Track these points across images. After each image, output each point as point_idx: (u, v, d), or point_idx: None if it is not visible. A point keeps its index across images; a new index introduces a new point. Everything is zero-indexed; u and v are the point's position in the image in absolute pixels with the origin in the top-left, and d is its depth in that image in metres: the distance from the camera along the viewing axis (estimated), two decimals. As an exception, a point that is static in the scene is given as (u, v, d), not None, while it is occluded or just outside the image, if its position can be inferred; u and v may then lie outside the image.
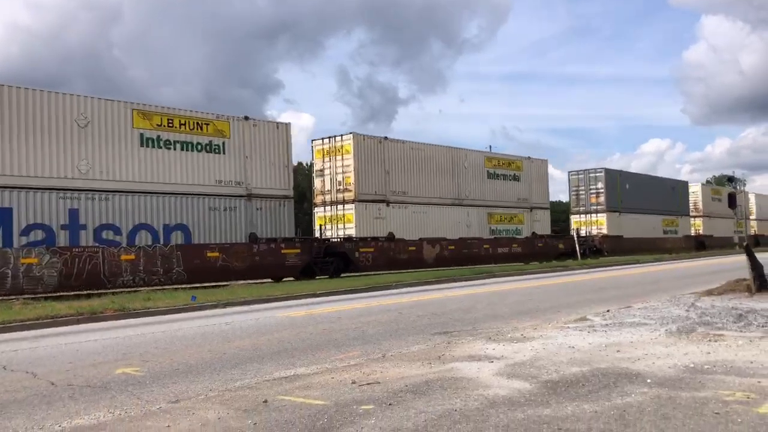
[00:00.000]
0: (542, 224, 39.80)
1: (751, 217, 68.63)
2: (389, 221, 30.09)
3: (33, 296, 17.90)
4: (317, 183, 30.56)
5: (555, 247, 38.91)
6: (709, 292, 13.44)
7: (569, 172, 48.56)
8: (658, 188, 51.86)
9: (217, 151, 23.89)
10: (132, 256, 20.54)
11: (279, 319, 13.18)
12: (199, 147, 23.42)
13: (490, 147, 41.60)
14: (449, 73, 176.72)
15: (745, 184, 70.31)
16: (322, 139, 30.47)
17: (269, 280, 24.38)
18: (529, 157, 39.65)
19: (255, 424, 5.07)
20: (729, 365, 6.47)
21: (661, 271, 27.25)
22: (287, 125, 26.35)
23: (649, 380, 5.93)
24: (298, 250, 24.93)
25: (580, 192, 46.81)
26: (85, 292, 18.75)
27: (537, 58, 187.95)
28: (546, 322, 10.80)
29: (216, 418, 5.28)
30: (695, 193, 59.47)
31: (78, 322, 13.66)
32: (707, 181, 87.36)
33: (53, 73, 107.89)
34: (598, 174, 46.38)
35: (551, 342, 8.27)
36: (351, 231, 28.78)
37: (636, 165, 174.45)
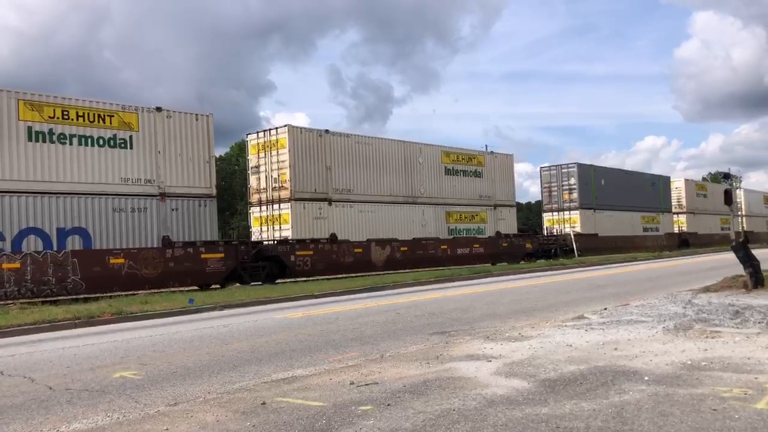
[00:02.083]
0: (508, 223, 37.35)
1: (739, 214, 67.43)
2: (332, 221, 27.51)
3: (30, 301, 17.84)
4: (252, 180, 28.02)
5: (521, 247, 36.58)
6: (706, 289, 13.48)
7: (541, 167, 45.80)
8: (637, 184, 49.16)
9: (123, 145, 21.30)
10: (17, 264, 18.07)
11: (277, 320, 13.17)
12: (101, 141, 20.89)
13: (486, 146, 39.87)
14: (444, 72, 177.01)
15: (740, 181, 68.96)
16: (257, 132, 28.12)
17: (193, 288, 21.74)
18: (492, 152, 37.22)
19: (253, 426, 5.07)
20: (726, 362, 6.49)
21: (637, 271, 27.29)
22: (208, 117, 23.69)
23: (646, 378, 5.94)
24: (222, 255, 22.49)
25: (552, 188, 43.98)
26: (82, 296, 18.68)
27: (534, 57, 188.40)
28: (543, 320, 10.81)
29: (214, 421, 5.28)
30: (678, 188, 56.75)
31: (75, 326, 13.63)
32: (703, 178, 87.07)
33: (46, 75, 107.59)
34: (570, 169, 43.55)
35: (549, 340, 8.29)
36: (288, 233, 26.32)
37: (630, 162, 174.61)
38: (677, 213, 56.09)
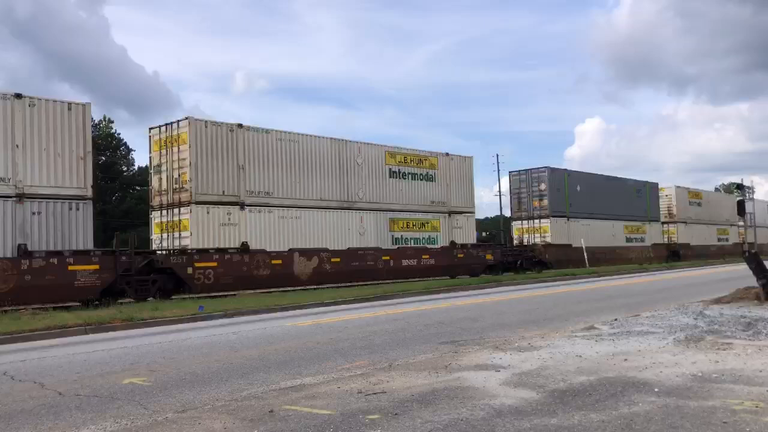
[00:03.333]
0: (465, 232, 33.36)
1: (740, 224, 62.28)
2: (245, 228, 23.90)
3: (41, 306, 17.93)
4: (154, 181, 24.46)
5: (480, 258, 32.71)
6: (718, 301, 13.35)
7: (510, 172, 42.17)
8: (619, 190, 45.49)
9: None
10: None
11: (286, 328, 13.19)
12: None
13: (497, 156, 38.91)
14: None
15: (753, 191, 67.20)
16: (159, 127, 24.37)
17: (66, 305, 18.54)
18: (447, 153, 33.17)
19: (261, 434, 5.07)
20: (737, 374, 6.43)
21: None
22: (85, 106, 20.29)
23: (656, 389, 5.90)
24: (96, 267, 19.20)
25: (522, 195, 40.64)
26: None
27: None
28: (553, 330, 10.76)
29: (222, 428, 5.29)
30: (669, 196, 52.22)
31: (86, 332, 13.71)
32: (715, 189, 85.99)
33: None
34: (540, 174, 40.03)
35: (558, 351, 8.24)
36: (188, 241, 22.69)
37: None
38: (667, 222, 52.11)
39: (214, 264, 22.19)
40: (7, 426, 5.92)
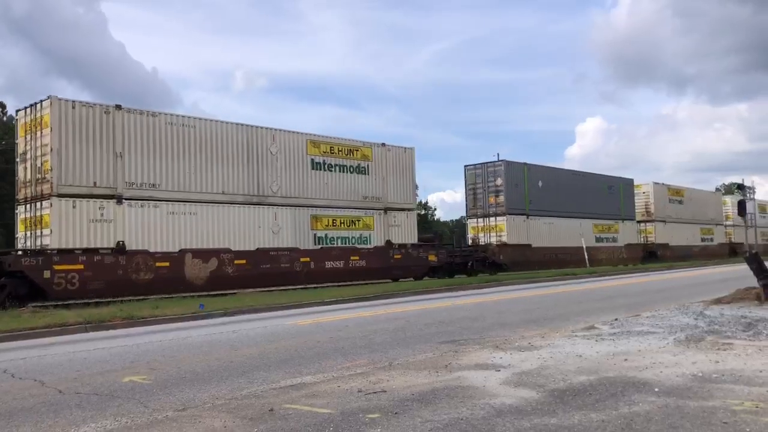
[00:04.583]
0: (404, 230, 29.93)
1: (726, 223, 59.86)
2: (123, 225, 20.68)
3: (42, 304, 17.94)
4: (20, 171, 21.20)
5: (422, 259, 29.59)
6: (718, 301, 13.34)
7: (465, 166, 38.67)
8: (588, 187, 42.29)
9: None
10: None
11: (286, 327, 13.19)
12: None
13: (498, 155, 37.87)
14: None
15: (754, 191, 66.31)
16: (25, 108, 21.16)
17: None
18: (383, 144, 29.81)
19: (261, 432, 5.07)
20: (738, 374, 6.43)
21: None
22: None
23: (656, 389, 5.90)
24: None
25: (477, 190, 37.47)
26: (93, 300, 18.77)
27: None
28: (554, 330, 10.76)
29: (222, 427, 5.29)
30: (646, 193, 49.29)
31: (86, 330, 13.72)
32: (716, 189, 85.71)
33: None
34: (497, 168, 36.85)
35: (559, 350, 8.24)
36: (48, 239, 19.61)
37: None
38: (644, 221, 49.31)
39: (80, 267, 19.15)
40: (7, 424, 5.92)
